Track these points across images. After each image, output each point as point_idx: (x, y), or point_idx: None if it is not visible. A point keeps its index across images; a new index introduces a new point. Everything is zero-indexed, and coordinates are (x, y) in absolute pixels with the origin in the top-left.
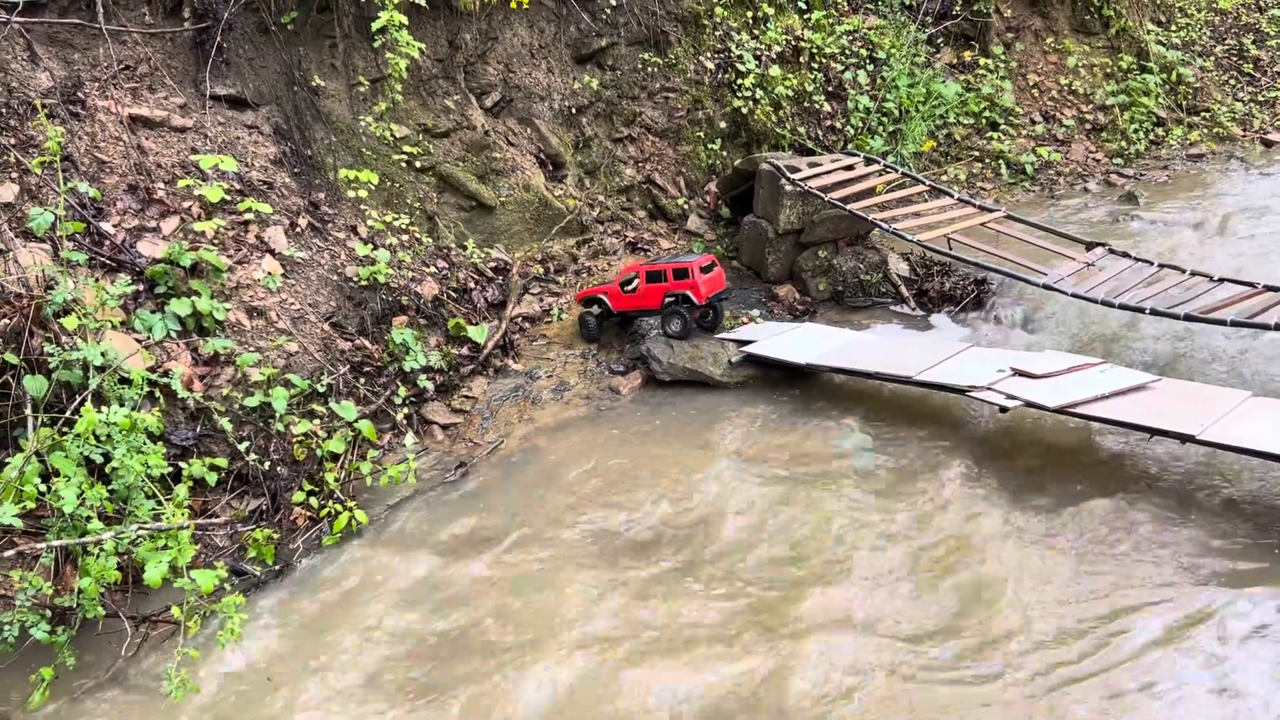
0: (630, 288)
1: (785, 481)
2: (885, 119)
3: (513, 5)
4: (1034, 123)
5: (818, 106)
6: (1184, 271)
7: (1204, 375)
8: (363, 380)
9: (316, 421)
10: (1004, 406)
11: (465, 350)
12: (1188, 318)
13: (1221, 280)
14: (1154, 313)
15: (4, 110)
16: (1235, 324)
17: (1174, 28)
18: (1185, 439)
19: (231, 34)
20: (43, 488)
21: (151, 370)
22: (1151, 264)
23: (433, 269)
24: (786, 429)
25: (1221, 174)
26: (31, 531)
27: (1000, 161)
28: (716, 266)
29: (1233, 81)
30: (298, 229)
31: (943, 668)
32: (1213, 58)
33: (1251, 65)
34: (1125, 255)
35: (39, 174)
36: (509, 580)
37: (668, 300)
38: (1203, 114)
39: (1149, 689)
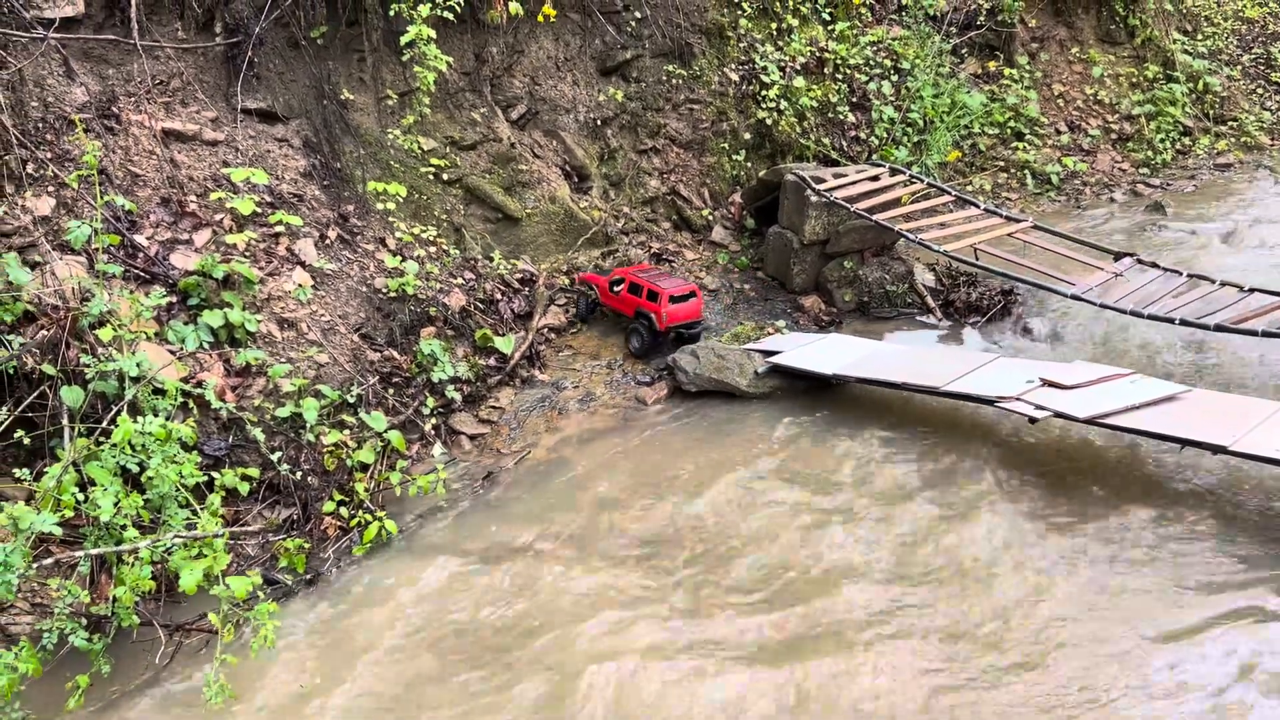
0: (616, 289)
1: (811, 492)
2: (910, 129)
3: (539, 19)
4: (1059, 133)
5: (842, 117)
6: (1214, 282)
7: (1236, 386)
8: (392, 391)
9: (346, 432)
10: (1033, 417)
11: (492, 361)
12: (1218, 328)
13: (1252, 290)
14: (1183, 323)
15: (41, 125)
16: (1266, 334)
17: (1200, 37)
18: (1217, 450)
19: (262, 48)
20: (80, 497)
21: (185, 381)
22: (1180, 274)
23: (460, 280)
24: (812, 440)
25: (1249, 183)
26: (69, 540)
27: (1026, 171)
28: (695, 297)
29: (1260, 90)
30: (327, 241)
31: (972, 671)
32: (1240, 66)
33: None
34: (1154, 265)
35: (75, 188)
36: (536, 589)
37: (638, 313)
38: (1230, 123)
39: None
